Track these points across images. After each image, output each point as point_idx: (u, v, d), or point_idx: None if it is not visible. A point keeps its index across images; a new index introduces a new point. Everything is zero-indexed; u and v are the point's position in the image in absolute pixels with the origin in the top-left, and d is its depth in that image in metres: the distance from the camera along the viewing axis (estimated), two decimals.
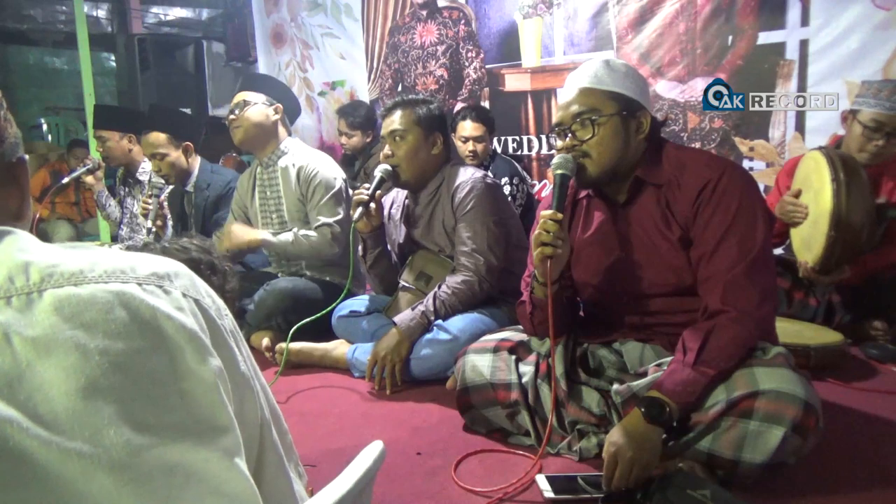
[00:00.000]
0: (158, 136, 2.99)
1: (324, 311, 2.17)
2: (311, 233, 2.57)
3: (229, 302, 0.92)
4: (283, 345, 2.19)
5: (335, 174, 2.64)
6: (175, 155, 3.02)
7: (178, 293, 0.59)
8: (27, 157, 0.66)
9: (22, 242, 0.56)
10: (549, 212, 1.46)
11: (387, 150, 2.19)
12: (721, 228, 1.42)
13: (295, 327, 2.12)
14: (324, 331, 2.35)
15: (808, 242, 2.26)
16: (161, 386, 0.53)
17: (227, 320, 0.64)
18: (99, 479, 0.48)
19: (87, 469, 0.48)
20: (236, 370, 0.62)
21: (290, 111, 2.78)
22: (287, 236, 2.56)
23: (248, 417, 0.63)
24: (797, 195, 2.32)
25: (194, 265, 1.26)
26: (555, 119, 1.56)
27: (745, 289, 1.39)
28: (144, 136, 3.04)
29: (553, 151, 3.76)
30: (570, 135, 1.51)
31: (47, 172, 5.74)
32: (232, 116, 2.65)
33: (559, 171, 1.50)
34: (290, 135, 2.76)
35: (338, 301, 2.21)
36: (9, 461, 0.46)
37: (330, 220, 2.55)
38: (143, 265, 0.58)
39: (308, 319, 2.12)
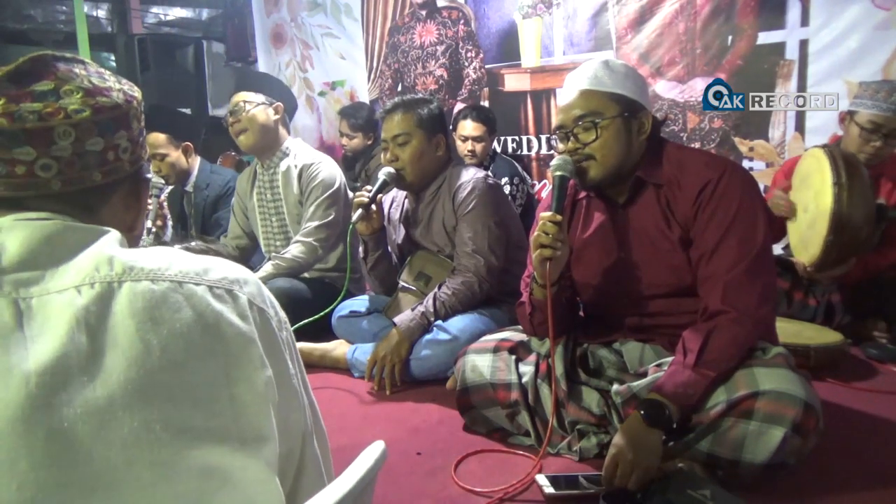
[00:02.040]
0: (158, 137, 2.98)
1: (324, 312, 2.16)
2: (292, 249, 2.53)
3: None
4: None
5: (335, 175, 2.63)
6: (175, 155, 3.02)
7: (245, 300, 0.61)
8: (150, 176, 0.73)
9: (112, 241, 0.61)
10: (549, 213, 1.46)
11: (389, 155, 2.16)
12: (721, 228, 1.42)
13: (294, 328, 2.10)
14: (324, 331, 2.35)
15: (806, 243, 2.26)
16: (212, 390, 0.55)
17: (286, 333, 0.67)
18: (137, 470, 0.50)
19: (129, 459, 0.50)
20: (287, 382, 0.63)
21: (288, 109, 2.74)
22: (267, 268, 2.51)
23: (291, 429, 0.65)
24: (786, 190, 2.35)
25: None
26: (556, 122, 1.55)
27: (745, 289, 1.39)
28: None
29: (553, 152, 3.76)
30: (572, 138, 1.51)
31: None
32: (232, 119, 2.56)
33: (558, 173, 1.50)
34: (289, 133, 2.73)
35: (337, 301, 2.20)
36: (60, 442, 0.49)
37: (318, 223, 2.54)
38: (215, 269, 0.61)
39: (308, 320, 2.11)
